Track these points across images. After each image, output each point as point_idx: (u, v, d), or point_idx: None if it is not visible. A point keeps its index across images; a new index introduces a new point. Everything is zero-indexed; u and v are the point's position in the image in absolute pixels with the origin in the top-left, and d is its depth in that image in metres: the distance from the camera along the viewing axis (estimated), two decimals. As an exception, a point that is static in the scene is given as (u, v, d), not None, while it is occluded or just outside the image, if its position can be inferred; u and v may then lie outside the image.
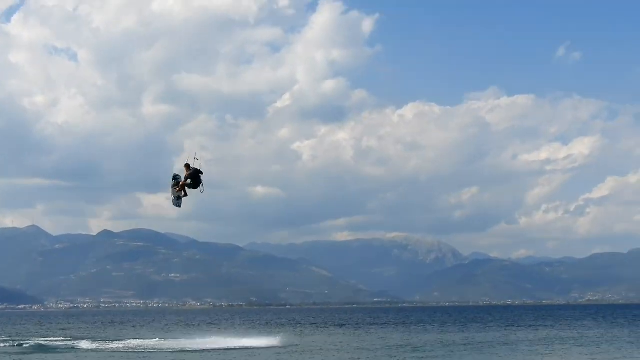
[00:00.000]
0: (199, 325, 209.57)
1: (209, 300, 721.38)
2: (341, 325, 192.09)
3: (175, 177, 48.87)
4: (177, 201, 48.89)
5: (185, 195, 48.33)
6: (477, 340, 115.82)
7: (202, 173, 47.81)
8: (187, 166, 47.06)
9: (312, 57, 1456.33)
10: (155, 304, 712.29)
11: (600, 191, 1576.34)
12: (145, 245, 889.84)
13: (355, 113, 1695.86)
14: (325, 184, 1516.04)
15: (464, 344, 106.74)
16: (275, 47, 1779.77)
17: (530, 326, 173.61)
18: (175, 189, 48.53)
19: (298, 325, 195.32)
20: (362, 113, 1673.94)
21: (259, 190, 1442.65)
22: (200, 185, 47.91)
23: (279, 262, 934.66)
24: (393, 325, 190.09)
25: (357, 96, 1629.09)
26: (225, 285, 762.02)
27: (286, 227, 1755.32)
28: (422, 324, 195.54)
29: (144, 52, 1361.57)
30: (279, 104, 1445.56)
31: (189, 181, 47.79)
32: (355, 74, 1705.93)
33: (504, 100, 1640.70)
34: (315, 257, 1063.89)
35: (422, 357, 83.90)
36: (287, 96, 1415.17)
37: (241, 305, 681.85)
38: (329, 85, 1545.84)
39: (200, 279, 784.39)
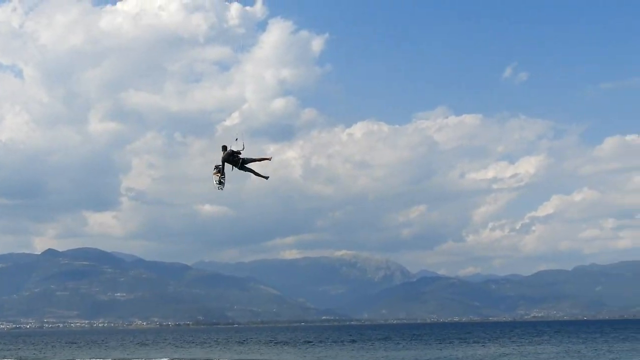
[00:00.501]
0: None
1: (156, 320, 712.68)
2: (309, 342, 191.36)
3: (217, 166, 49.38)
4: (219, 185, 49.30)
5: (222, 183, 49.02)
6: (428, 357, 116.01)
7: (239, 153, 49.01)
8: (224, 148, 48.02)
9: (262, 75, 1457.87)
10: (100, 323, 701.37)
11: (546, 209, 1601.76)
12: (90, 264, 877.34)
13: (305, 132, 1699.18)
14: (274, 202, 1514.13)
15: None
16: (224, 66, 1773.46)
17: (478, 342, 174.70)
18: (217, 174, 48.95)
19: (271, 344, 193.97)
20: (312, 132, 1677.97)
21: (208, 208, 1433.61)
22: (238, 162, 48.94)
23: (227, 281, 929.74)
24: (340, 343, 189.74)
25: (306, 115, 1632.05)
26: (172, 304, 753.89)
27: (235, 246, 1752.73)
28: (370, 342, 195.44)
29: (92, 70, 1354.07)
30: (227, 122, 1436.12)
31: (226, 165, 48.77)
32: (305, 93, 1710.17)
33: (452, 119, 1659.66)
34: (263, 276, 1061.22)
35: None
36: (236, 114, 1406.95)
37: (188, 324, 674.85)
38: (279, 104, 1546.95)
39: (147, 298, 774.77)
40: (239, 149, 48.78)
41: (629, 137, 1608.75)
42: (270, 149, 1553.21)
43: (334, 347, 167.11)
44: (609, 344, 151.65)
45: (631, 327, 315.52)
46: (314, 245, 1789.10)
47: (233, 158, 48.82)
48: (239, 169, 49.83)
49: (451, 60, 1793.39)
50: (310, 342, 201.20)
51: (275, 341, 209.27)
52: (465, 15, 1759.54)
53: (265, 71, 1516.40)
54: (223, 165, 48.96)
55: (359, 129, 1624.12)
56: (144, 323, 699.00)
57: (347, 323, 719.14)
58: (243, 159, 50.01)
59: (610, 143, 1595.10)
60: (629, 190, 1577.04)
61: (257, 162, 50.21)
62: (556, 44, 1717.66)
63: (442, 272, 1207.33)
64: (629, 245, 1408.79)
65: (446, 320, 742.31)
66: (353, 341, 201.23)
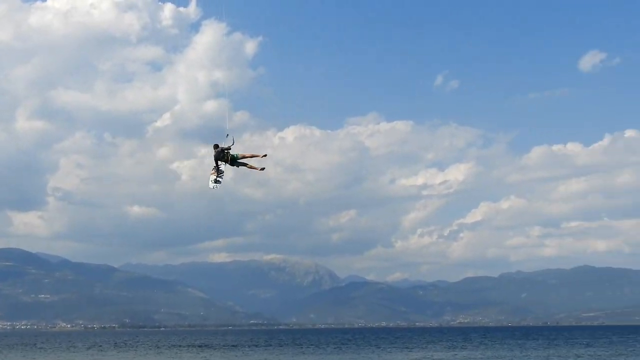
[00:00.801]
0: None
1: (80, 322, 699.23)
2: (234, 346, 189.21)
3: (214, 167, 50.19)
4: (215, 184, 50.62)
5: (221, 172, 50.62)
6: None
7: (229, 149, 50.55)
8: (216, 146, 49.21)
9: (194, 77, 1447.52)
10: (23, 325, 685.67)
11: (474, 216, 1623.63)
12: (14, 265, 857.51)
13: (237, 134, 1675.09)
14: (203, 204, 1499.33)
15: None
16: (156, 66, 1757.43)
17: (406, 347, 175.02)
18: (213, 174, 50.30)
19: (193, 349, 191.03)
20: (243, 135, 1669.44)
21: (136, 210, 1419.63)
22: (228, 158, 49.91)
23: (155, 283, 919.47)
24: (264, 347, 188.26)
25: (238, 118, 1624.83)
26: (98, 307, 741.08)
27: (163, 248, 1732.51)
28: (299, 346, 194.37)
29: (20, 67, 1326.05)
30: (159, 124, 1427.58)
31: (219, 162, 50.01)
32: (237, 96, 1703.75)
33: (384, 125, 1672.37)
34: (191, 279, 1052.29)
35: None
36: (167, 116, 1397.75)
37: (114, 327, 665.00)
38: (210, 105, 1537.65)
39: (72, 300, 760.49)
40: (229, 145, 48.17)
41: (555, 147, 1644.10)
42: (201, 151, 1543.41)
43: (257, 351, 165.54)
44: (534, 350, 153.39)
45: (554, 334, 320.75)
46: (243, 249, 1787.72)
47: (223, 155, 49.69)
48: (230, 164, 49.73)
49: (384, 66, 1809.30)
50: (235, 345, 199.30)
51: (195, 345, 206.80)
52: (398, 23, 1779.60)
53: (198, 72, 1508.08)
54: (216, 163, 48.73)
55: (290, 133, 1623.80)
56: (68, 325, 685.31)
57: (276, 327, 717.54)
58: (233, 155, 49.98)
59: (537, 152, 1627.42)
60: (554, 199, 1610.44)
61: (248, 158, 50.05)
62: (486, 53, 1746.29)
63: (370, 277, 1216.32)
64: (553, 253, 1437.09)
65: (374, 326, 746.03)
66: (280, 345, 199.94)
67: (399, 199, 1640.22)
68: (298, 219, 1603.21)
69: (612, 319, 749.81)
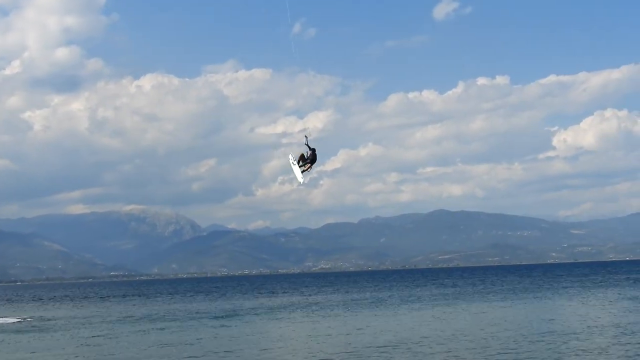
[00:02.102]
0: None
1: None
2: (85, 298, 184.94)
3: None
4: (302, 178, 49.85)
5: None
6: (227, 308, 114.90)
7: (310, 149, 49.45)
8: (307, 145, 48.85)
9: (44, 23, 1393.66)
10: None
11: (333, 164, 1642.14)
12: None
13: (91, 83, 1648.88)
14: (58, 155, 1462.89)
15: (207, 313, 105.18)
16: (3, 11, 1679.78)
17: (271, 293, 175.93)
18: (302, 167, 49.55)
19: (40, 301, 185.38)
20: (98, 83, 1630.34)
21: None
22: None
23: (8, 237, 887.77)
24: (129, 297, 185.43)
25: (92, 65, 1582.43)
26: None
27: (16, 200, 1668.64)
28: (160, 295, 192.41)
29: None
30: (7, 71, 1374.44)
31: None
32: (91, 43, 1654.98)
33: (242, 73, 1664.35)
34: (48, 231, 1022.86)
35: (164, 327, 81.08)
36: (16, 63, 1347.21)
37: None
38: (62, 53, 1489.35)
39: None
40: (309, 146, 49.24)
41: (411, 95, 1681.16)
42: (54, 100, 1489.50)
43: (121, 301, 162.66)
44: (394, 289, 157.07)
45: (413, 275, 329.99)
46: (101, 200, 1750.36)
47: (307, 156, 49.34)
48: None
49: (241, 13, 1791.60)
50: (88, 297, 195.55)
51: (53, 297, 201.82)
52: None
53: (48, 18, 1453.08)
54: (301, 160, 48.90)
55: (147, 81, 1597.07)
56: None
57: (137, 278, 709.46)
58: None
59: (394, 100, 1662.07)
60: (411, 145, 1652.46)
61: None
62: (342, 1, 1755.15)
63: (232, 226, 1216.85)
64: (410, 198, 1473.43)
65: (237, 274, 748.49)
66: (137, 295, 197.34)
67: (259, 147, 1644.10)
68: (157, 169, 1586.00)
69: (467, 260, 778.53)
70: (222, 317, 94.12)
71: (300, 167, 48.77)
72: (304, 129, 48.60)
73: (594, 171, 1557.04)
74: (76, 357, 57.22)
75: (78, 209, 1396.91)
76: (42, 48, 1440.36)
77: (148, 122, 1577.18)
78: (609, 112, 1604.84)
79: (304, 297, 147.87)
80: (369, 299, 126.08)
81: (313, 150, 48.77)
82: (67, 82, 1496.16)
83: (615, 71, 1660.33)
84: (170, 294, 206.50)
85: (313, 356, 52.09)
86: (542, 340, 54.95)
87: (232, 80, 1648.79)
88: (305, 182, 49.99)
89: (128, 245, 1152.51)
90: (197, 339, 66.46)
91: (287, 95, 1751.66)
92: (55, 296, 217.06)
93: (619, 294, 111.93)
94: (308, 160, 48.58)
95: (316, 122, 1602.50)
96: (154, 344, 63.70)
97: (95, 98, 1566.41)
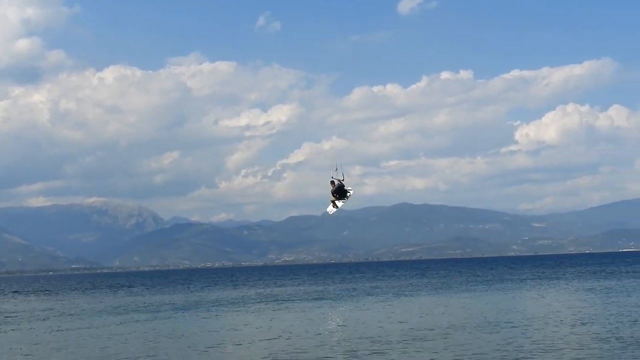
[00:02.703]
0: None
1: None
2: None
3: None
4: (334, 209, 50.14)
5: (336, 207, 49.87)
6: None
7: (343, 185, 49.36)
8: (332, 183, 48.63)
9: (4, 14, 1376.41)
10: None
11: (297, 157, 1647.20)
12: None
13: (52, 74, 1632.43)
14: (19, 147, 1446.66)
15: (170, 304, 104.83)
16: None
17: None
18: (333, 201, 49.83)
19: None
20: (60, 75, 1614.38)
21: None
22: (347, 194, 49.53)
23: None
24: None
25: (53, 57, 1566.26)
26: None
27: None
28: (122, 288, 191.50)
29: None
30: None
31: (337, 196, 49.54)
32: (52, 34, 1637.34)
33: (206, 66, 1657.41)
34: (7, 224, 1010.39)
35: (126, 321, 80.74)
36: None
37: None
38: (23, 44, 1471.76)
39: None
40: (340, 179, 49.07)
41: (375, 88, 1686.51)
42: (15, 92, 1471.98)
43: (75, 295, 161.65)
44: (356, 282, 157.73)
45: (376, 268, 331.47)
46: (63, 192, 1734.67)
47: (341, 190, 49.48)
48: (340, 198, 49.66)
49: (204, 6, 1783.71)
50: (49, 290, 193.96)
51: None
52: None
53: (8, 9, 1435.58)
54: (334, 196, 49.28)
55: (110, 73, 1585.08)
56: None
57: (99, 271, 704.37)
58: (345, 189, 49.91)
59: (358, 93, 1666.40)
60: (374, 139, 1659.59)
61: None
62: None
63: (195, 218, 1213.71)
64: (374, 191, 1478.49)
65: (199, 266, 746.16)
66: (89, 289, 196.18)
67: (223, 139, 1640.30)
68: (119, 161, 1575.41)
69: (429, 253, 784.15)
70: (184, 309, 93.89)
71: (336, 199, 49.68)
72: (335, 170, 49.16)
73: (555, 165, 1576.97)
74: (36, 345, 56.88)
75: (39, 202, 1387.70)
76: (2, 39, 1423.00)
77: (110, 114, 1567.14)
78: (570, 107, 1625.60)
79: (268, 289, 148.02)
80: (333, 292, 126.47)
81: (339, 182, 49.24)
82: (28, 73, 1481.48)
83: (577, 67, 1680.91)
84: (131, 286, 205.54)
85: (272, 347, 52.21)
86: (499, 332, 55.59)
87: (196, 73, 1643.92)
88: (332, 213, 51.22)
89: (90, 238, 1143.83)
90: (153, 330, 66.35)
91: (251, 88, 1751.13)
92: (17, 290, 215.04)
93: (577, 286, 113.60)
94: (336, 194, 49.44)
95: (280, 115, 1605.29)
96: (115, 334, 63.44)
97: (57, 90, 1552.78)
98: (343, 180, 48.79)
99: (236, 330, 65.50)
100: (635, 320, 59.31)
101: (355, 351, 47.71)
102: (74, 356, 51.83)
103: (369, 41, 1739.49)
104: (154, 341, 57.80)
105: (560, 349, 45.03)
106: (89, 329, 70.43)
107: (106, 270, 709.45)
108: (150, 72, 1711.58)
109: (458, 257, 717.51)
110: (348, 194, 49.46)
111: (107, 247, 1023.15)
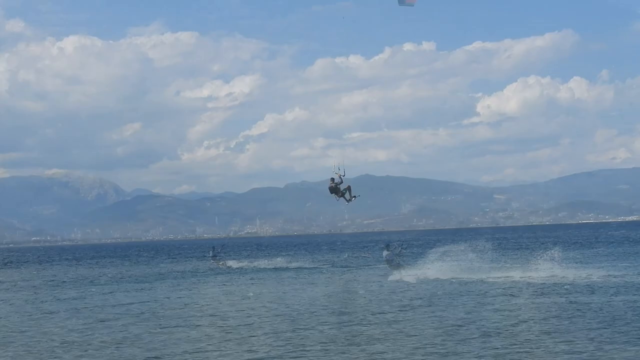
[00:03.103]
0: None
1: None
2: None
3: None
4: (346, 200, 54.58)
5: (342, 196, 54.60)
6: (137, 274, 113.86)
7: (341, 182, 54.27)
8: (332, 180, 53.57)
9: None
10: None
11: (260, 128, 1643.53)
12: None
13: (11, 44, 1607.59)
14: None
15: (127, 277, 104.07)
16: None
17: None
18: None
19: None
20: (18, 44, 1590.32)
21: None
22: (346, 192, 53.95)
23: None
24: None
25: (12, 26, 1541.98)
26: None
27: None
28: (84, 259, 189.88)
29: None
30: None
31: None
32: (10, 3, 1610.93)
33: (168, 36, 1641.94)
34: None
35: (89, 294, 79.90)
36: None
37: None
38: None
39: None
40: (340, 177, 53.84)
41: (338, 59, 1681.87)
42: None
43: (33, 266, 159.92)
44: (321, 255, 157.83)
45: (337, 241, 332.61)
46: (22, 164, 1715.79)
47: (336, 187, 54.43)
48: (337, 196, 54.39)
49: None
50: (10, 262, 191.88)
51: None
52: None
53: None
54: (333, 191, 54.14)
55: (70, 43, 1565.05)
56: None
57: (59, 243, 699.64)
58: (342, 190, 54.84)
59: (320, 64, 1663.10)
60: (337, 110, 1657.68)
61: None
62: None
63: (157, 190, 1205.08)
64: (337, 163, 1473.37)
65: (162, 239, 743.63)
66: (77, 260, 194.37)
67: (185, 111, 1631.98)
68: (80, 133, 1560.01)
69: (390, 225, 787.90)
70: (144, 281, 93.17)
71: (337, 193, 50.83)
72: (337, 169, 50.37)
73: (516, 137, 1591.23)
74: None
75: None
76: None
77: (71, 84, 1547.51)
78: (532, 79, 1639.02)
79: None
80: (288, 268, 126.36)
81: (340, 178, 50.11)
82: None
83: (538, 38, 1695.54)
84: (93, 257, 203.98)
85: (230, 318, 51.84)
86: (462, 297, 55.75)
87: (157, 43, 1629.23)
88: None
89: (50, 210, 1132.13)
90: (118, 304, 65.71)
91: (213, 59, 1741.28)
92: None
93: (532, 256, 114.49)
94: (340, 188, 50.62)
95: (243, 86, 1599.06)
96: (75, 307, 62.65)
97: (16, 60, 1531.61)
98: (344, 175, 50.16)
99: (199, 299, 65.02)
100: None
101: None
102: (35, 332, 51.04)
103: (331, 11, 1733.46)
104: (121, 311, 57.17)
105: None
106: (53, 301, 69.57)
107: (67, 243, 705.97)
108: (111, 42, 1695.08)
109: (420, 229, 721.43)
110: (354, 197, 51.51)
111: (68, 219, 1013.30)
